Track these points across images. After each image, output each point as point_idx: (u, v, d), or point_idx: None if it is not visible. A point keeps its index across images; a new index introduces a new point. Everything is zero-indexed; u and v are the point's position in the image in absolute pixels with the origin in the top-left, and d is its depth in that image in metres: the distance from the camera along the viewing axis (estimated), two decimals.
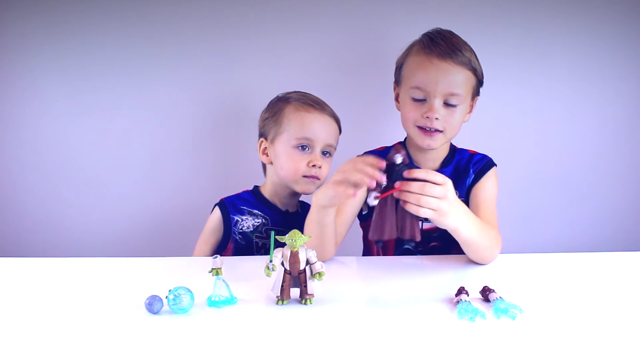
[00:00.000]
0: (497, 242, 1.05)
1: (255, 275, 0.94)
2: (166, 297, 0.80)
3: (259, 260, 1.05)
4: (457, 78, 1.11)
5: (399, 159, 0.89)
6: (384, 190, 0.89)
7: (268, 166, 1.29)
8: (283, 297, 0.84)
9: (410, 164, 0.90)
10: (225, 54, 1.49)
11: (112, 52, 1.49)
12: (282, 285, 0.83)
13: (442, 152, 1.21)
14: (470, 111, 1.19)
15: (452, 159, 1.22)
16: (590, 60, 1.49)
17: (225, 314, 0.82)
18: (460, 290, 0.85)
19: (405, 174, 0.88)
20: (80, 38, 1.48)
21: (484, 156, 1.22)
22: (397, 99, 1.22)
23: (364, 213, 1.23)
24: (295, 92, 1.27)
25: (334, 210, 1.03)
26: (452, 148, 1.24)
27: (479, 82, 1.17)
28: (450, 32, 1.16)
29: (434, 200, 0.87)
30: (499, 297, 0.82)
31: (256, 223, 1.25)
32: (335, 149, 1.26)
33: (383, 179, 0.88)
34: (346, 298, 0.88)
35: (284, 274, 0.83)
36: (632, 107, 1.52)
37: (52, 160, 1.54)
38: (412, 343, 0.71)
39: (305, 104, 1.23)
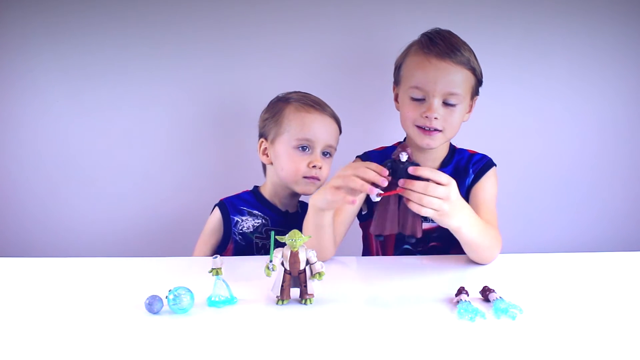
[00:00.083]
0: (498, 242, 1.05)
1: (255, 275, 0.94)
2: (166, 297, 0.80)
3: (259, 260, 1.05)
4: (456, 78, 1.11)
5: (404, 156, 0.89)
6: (387, 188, 0.89)
7: (268, 166, 1.29)
8: (283, 297, 0.84)
9: (415, 162, 0.90)
10: (225, 54, 1.49)
11: (112, 52, 1.49)
12: (282, 285, 0.83)
13: (441, 152, 1.21)
14: (470, 111, 1.19)
15: (452, 159, 1.22)
16: (590, 60, 1.49)
17: (225, 314, 0.82)
18: (460, 290, 0.85)
19: (411, 170, 0.88)
20: (80, 38, 1.48)
21: (484, 156, 1.22)
22: (396, 99, 1.22)
23: (363, 213, 1.23)
24: (295, 92, 1.27)
25: (332, 213, 1.03)
26: (452, 148, 1.24)
27: (478, 82, 1.17)
28: (449, 32, 1.16)
29: (436, 200, 0.87)
30: (499, 297, 0.82)
31: (256, 223, 1.25)
32: (335, 149, 1.26)
33: (384, 184, 0.88)
34: (346, 298, 0.88)
35: (284, 274, 0.83)
36: (632, 107, 1.52)
37: (52, 160, 1.54)
38: (412, 343, 0.71)
39: (306, 105, 1.22)
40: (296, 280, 0.84)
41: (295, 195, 1.28)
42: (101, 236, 1.56)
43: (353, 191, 0.91)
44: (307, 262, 0.84)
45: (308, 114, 1.21)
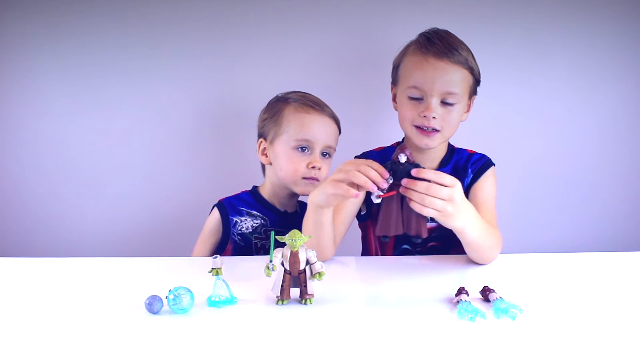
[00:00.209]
0: (499, 242, 1.05)
1: (255, 275, 0.94)
2: (166, 297, 0.80)
3: (259, 260, 1.05)
4: (453, 77, 1.11)
5: (403, 157, 0.89)
6: (387, 190, 0.89)
7: (267, 167, 1.28)
8: (283, 297, 0.84)
9: (415, 163, 0.90)
10: (225, 54, 1.49)
11: (112, 52, 1.49)
12: (282, 285, 0.83)
13: (440, 152, 1.21)
14: (468, 110, 1.19)
15: (451, 159, 1.22)
16: (590, 60, 1.49)
17: (225, 314, 0.82)
18: (460, 290, 0.85)
19: (414, 172, 0.88)
20: (80, 38, 1.48)
21: (483, 156, 1.22)
22: (394, 99, 1.22)
23: (362, 213, 1.23)
24: (294, 92, 1.27)
25: (331, 210, 1.03)
26: (451, 148, 1.24)
27: (476, 81, 1.17)
28: (447, 32, 1.16)
29: (439, 201, 0.87)
30: (499, 297, 0.82)
31: (255, 224, 1.24)
32: (334, 149, 1.26)
33: (384, 186, 0.88)
34: (346, 298, 0.88)
35: (284, 274, 0.83)
36: (632, 107, 1.52)
37: (52, 160, 1.54)
38: (412, 343, 0.71)
39: (305, 105, 1.22)
40: (296, 280, 0.84)
41: (294, 195, 1.28)
42: (101, 236, 1.56)
43: (355, 186, 0.91)
44: (307, 262, 0.84)
45: (307, 114, 1.21)
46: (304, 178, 1.21)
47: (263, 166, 1.31)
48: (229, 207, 1.25)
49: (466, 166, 1.20)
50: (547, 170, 1.54)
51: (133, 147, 1.54)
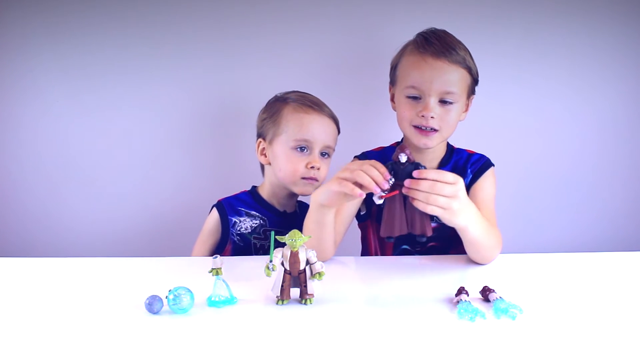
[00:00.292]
0: (499, 242, 1.06)
1: (255, 275, 0.94)
2: (166, 297, 0.80)
3: (259, 260, 1.05)
4: (451, 77, 1.11)
5: (403, 157, 0.89)
6: (389, 190, 0.89)
7: (266, 167, 1.28)
8: (283, 297, 0.84)
9: (416, 162, 0.90)
10: (225, 54, 1.49)
11: (112, 52, 1.49)
12: (282, 285, 0.83)
13: (439, 152, 1.21)
14: (466, 110, 1.19)
15: (450, 159, 1.22)
16: (590, 60, 1.49)
17: (225, 314, 0.82)
18: (460, 290, 0.85)
19: (416, 173, 0.88)
20: (80, 38, 1.48)
21: (482, 156, 1.22)
22: (392, 99, 1.22)
23: (362, 214, 1.23)
24: (293, 92, 1.27)
25: (333, 210, 1.03)
26: (450, 148, 1.24)
27: (474, 81, 1.17)
28: (444, 32, 1.16)
29: (443, 199, 0.88)
30: (499, 297, 0.82)
31: (254, 224, 1.24)
32: (333, 149, 1.26)
33: (385, 186, 0.88)
34: (346, 298, 0.88)
35: (284, 274, 0.83)
36: (632, 107, 1.52)
37: (52, 160, 1.54)
38: (412, 343, 0.71)
39: (304, 105, 1.22)
40: (296, 280, 0.84)
41: (293, 195, 1.28)
42: (101, 236, 1.56)
43: (359, 186, 0.91)
44: (307, 262, 0.84)
45: (306, 114, 1.21)
46: (303, 178, 1.21)
47: (262, 166, 1.31)
48: (227, 207, 1.25)
49: (466, 166, 1.20)
50: (547, 170, 1.54)
51: (133, 147, 1.54)
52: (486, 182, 1.18)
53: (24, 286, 0.95)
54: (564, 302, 0.85)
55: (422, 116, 1.11)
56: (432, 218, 0.93)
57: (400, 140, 1.26)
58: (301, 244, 0.83)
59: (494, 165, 1.21)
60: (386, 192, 0.89)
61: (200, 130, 1.53)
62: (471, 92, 1.18)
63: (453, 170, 1.20)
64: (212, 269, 0.84)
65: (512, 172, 1.49)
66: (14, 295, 0.91)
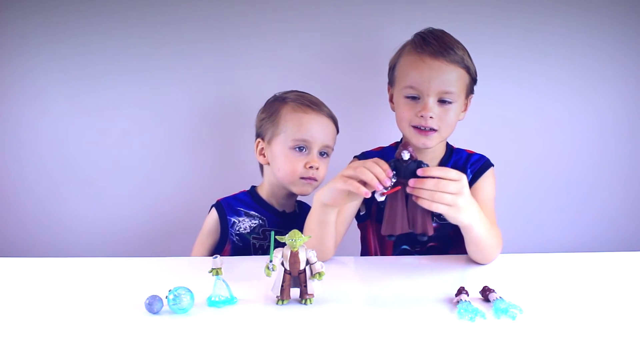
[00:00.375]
0: (500, 242, 1.06)
1: (255, 275, 0.94)
2: (166, 297, 0.80)
3: (259, 260, 1.05)
4: (450, 76, 1.11)
5: (406, 155, 0.89)
6: (391, 187, 0.89)
7: (265, 167, 1.28)
8: (283, 297, 0.84)
9: (418, 160, 0.90)
10: (225, 54, 1.49)
11: (112, 52, 1.49)
12: (282, 285, 0.83)
13: (438, 152, 1.21)
14: (465, 109, 1.19)
15: (450, 159, 1.22)
16: (590, 60, 1.49)
17: (225, 314, 0.82)
18: (460, 290, 0.85)
19: (420, 172, 0.88)
20: (80, 38, 1.48)
21: (482, 156, 1.22)
22: (391, 99, 1.22)
23: (361, 214, 1.23)
24: (292, 91, 1.27)
25: (336, 210, 1.03)
26: (450, 148, 1.24)
27: (473, 80, 1.17)
28: (442, 31, 1.16)
29: (448, 196, 0.88)
30: (499, 297, 0.82)
31: (253, 224, 1.24)
32: (332, 149, 1.26)
33: (387, 183, 0.89)
34: (346, 298, 0.88)
35: (284, 274, 0.83)
36: (632, 107, 1.52)
37: (52, 160, 1.54)
38: (412, 343, 0.71)
39: (303, 105, 1.22)
40: (296, 280, 0.84)
41: (292, 195, 1.27)
42: (101, 236, 1.56)
43: (364, 184, 0.91)
44: (307, 262, 0.84)
45: (305, 114, 1.21)
46: (302, 178, 1.21)
47: (261, 166, 1.31)
48: (226, 207, 1.25)
49: (465, 166, 1.20)
50: (547, 170, 1.54)
51: (133, 147, 1.54)
52: (486, 182, 1.18)
53: (24, 286, 0.95)
54: (564, 302, 0.85)
55: (421, 116, 1.11)
56: (433, 217, 0.93)
57: (399, 140, 1.26)
58: (301, 244, 0.83)
59: (493, 165, 1.21)
60: (388, 188, 0.89)
61: (200, 130, 1.53)
62: (470, 91, 1.18)
63: None
64: (212, 269, 0.84)
65: (512, 172, 1.49)
66: (14, 295, 0.91)
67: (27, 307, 0.85)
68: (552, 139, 1.53)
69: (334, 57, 1.49)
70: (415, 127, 1.13)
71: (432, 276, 0.99)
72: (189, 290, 0.81)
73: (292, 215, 1.29)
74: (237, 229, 1.23)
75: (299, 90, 1.28)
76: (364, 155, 1.24)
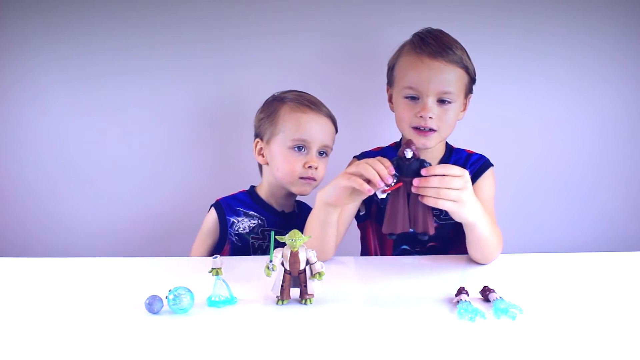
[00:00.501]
0: (500, 242, 1.06)
1: (255, 275, 0.94)
2: (166, 297, 0.80)
3: (259, 261, 1.05)
4: (449, 76, 1.11)
5: (409, 153, 0.89)
6: (393, 184, 0.89)
7: (264, 167, 1.28)
8: (283, 297, 0.84)
9: (421, 159, 0.90)
10: (225, 54, 1.49)
11: (112, 52, 1.49)
12: (282, 285, 0.83)
13: (438, 152, 1.21)
14: (464, 109, 1.19)
15: (449, 159, 1.22)
16: (590, 60, 1.49)
17: (225, 314, 0.81)
18: (460, 290, 0.85)
19: (424, 172, 0.88)
20: (80, 38, 1.48)
21: (481, 156, 1.22)
22: (390, 100, 1.22)
23: (361, 214, 1.23)
24: (290, 91, 1.27)
25: (338, 210, 1.03)
26: (449, 148, 1.24)
27: (472, 80, 1.17)
28: (441, 31, 1.16)
29: (454, 192, 0.88)
30: (499, 297, 0.82)
31: (252, 224, 1.24)
32: (331, 149, 1.26)
33: (391, 181, 0.89)
34: (346, 298, 0.88)
35: (284, 274, 0.83)
36: (632, 107, 1.52)
37: (52, 160, 1.54)
38: (412, 343, 0.71)
39: (301, 105, 1.22)
40: (296, 280, 0.84)
41: (291, 195, 1.27)
42: (101, 236, 1.56)
43: (367, 182, 0.91)
44: (307, 262, 0.84)
45: (304, 114, 1.21)
46: (301, 178, 1.21)
47: (260, 166, 1.31)
48: (226, 207, 1.25)
49: (465, 166, 1.19)
50: (547, 170, 1.54)
51: (133, 147, 1.54)
52: (485, 182, 1.18)
53: (24, 286, 0.95)
54: (564, 302, 0.85)
55: (421, 117, 1.11)
56: (433, 217, 0.93)
57: (399, 140, 1.26)
58: (301, 244, 0.83)
59: (493, 165, 1.21)
60: (390, 186, 0.90)
61: (200, 130, 1.53)
62: (469, 91, 1.18)
63: None
64: (212, 269, 0.84)
65: (512, 172, 1.49)
66: (14, 295, 0.91)
67: (27, 307, 0.85)
68: (552, 139, 1.53)
69: (334, 57, 1.49)
70: (415, 128, 1.13)
71: (432, 276, 0.99)
72: (189, 290, 0.81)
73: (291, 215, 1.29)
74: (236, 229, 1.23)
75: (298, 90, 1.28)
76: (364, 156, 1.24)
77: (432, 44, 1.11)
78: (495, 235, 1.02)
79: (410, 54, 1.14)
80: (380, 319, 0.79)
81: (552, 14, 1.47)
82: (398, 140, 1.26)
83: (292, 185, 1.22)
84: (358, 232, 1.29)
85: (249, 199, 1.28)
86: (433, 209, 0.91)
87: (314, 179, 1.22)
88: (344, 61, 1.49)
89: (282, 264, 0.83)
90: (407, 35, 1.19)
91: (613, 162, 1.54)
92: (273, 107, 1.24)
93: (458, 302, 0.82)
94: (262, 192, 1.28)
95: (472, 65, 1.16)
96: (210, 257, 0.87)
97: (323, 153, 1.24)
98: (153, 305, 0.80)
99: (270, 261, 0.82)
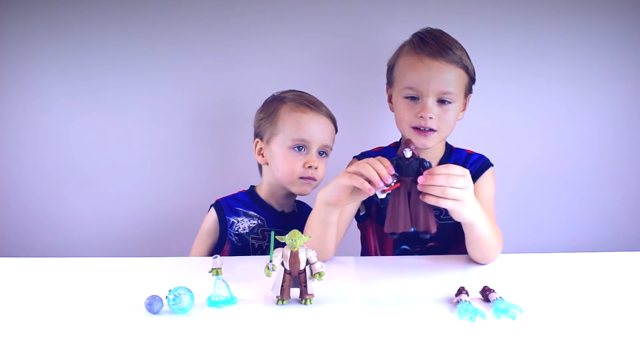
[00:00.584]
0: (500, 242, 1.06)
1: (255, 275, 0.94)
2: (166, 297, 0.80)
3: (259, 261, 1.05)
4: (448, 76, 1.11)
5: (408, 152, 0.90)
6: (392, 184, 0.89)
7: (264, 167, 1.28)
8: (283, 297, 0.84)
9: (420, 158, 0.90)
10: (225, 54, 1.49)
11: (112, 52, 1.49)
12: (282, 285, 0.83)
13: (438, 152, 1.21)
14: (464, 109, 1.19)
15: (449, 159, 1.22)
16: (590, 60, 1.49)
17: (225, 314, 0.81)
18: (460, 290, 0.85)
19: (426, 173, 0.89)
20: (80, 38, 1.48)
21: (481, 156, 1.22)
22: (390, 100, 1.22)
23: (361, 214, 1.23)
24: (290, 91, 1.27)
25: (339, 210, 1.03)
26: (449, 148, 1.24)
27: (472, 80, 1.17)
28: (440, 31, 1.16)
29: (457, 190, 0.88)
30: (499, 297, 0.82)
31: (252, 224, 1.24)
32: (331, 148, 1.26)
33: (390, 180, 0.89)
34: (346, 298, 0.88)
35: (284, 274, 0.83)
36: (632, 107, 1.52)
37: (52, 160, 1.54)
38: (412, 343, 0.71)
39: (301, 105, 1.22)
40: (296, 280, 0.84)
41: (291, 195, 1.27)
42: (101, 236, 1.56)
43: (367, 180, 0.91)
44: (307, 262, 0.84)
45: (303, 114, 1.21)
46: (301, 178, 1.21)
47: (260, 166, 1.31)
48: (225, 207, 1.25)
49: (465, 166, 1.18)
50: (547, 170, 1.54)
51: (133, 147, 1.54)
52: (485, 182, 1.18)
53: (24, 286, 0.95)
54: (564, 302, 0.85)
55: (421, 117, 1.11)
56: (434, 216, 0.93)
57: (399, 140, 1.26)
58: (301, 244, 0.83)
59: (493, 165, 1.21)
60: (389, 186, 0.90)
61: (200, 130, 1.53)
62: (468, 91, 1.18)
63: None
64: (212, 269, 0.84)
65: (512, 172, 1.49)
66: (14, 295, 0.91)
67: (27, 307, 0.85)
68: (552, 139, 1.53)
69: (334, 57, 1.49)
70: (415, 128, 1.13)
71: (432, 276, 0.99)
72: (189, 290, 0.81)
73: (291, 215, 1.29)
74: (236, 229, 1.23)
75: (298, 90, 1.28)
76: (364, 156, 1.24)
77: (432, 44, 1.11)
78: (495, 235, 1.02)
79: (410, 54, 1.14)
80: (380, 319, 0.79)
81: (552, 14, 1.47)
82: (398, 140, 1.26)
83: (292, 185, 1.22)
84: (358, 232, 1.29)
85: (248, 199, 1.28)
86: (433, 208, 0.91)
87: (314, 179, 1.22)
88: (344, 61, 1.49)
89: (282, 264, 0.83)
90: (407, 35, 1.19)
91: (613, 162, 1.54)
92: (273, 107, 1.24)
93: (458, 302, 0.82)
94: (262, 192, 1.28)
95: (472, 65, 1.16)
96: (210, 257, 0.87)
97: (323, 153, 1.24)
98: (153, 305, 0.80)
99: (270, 261, 0.82)
